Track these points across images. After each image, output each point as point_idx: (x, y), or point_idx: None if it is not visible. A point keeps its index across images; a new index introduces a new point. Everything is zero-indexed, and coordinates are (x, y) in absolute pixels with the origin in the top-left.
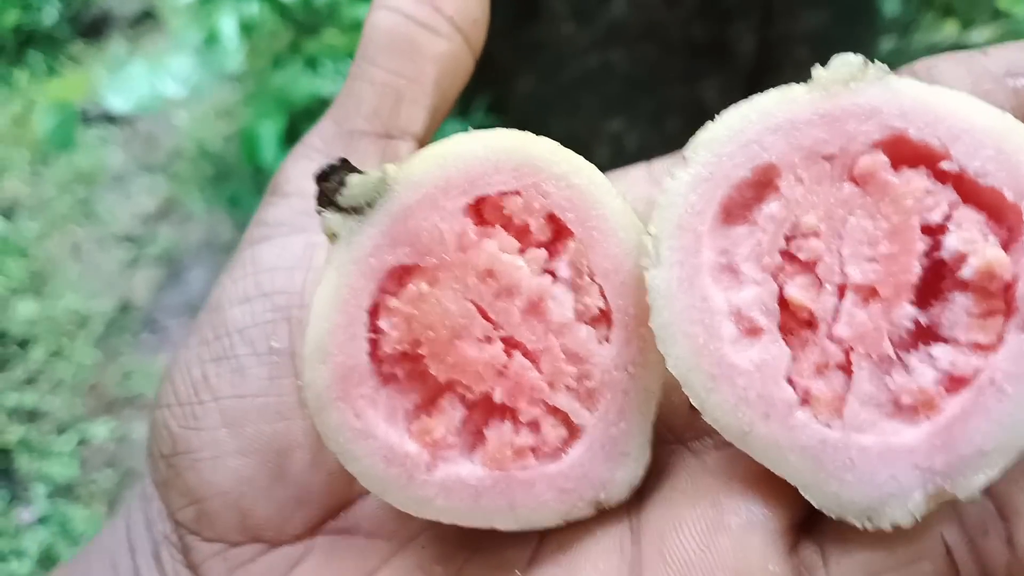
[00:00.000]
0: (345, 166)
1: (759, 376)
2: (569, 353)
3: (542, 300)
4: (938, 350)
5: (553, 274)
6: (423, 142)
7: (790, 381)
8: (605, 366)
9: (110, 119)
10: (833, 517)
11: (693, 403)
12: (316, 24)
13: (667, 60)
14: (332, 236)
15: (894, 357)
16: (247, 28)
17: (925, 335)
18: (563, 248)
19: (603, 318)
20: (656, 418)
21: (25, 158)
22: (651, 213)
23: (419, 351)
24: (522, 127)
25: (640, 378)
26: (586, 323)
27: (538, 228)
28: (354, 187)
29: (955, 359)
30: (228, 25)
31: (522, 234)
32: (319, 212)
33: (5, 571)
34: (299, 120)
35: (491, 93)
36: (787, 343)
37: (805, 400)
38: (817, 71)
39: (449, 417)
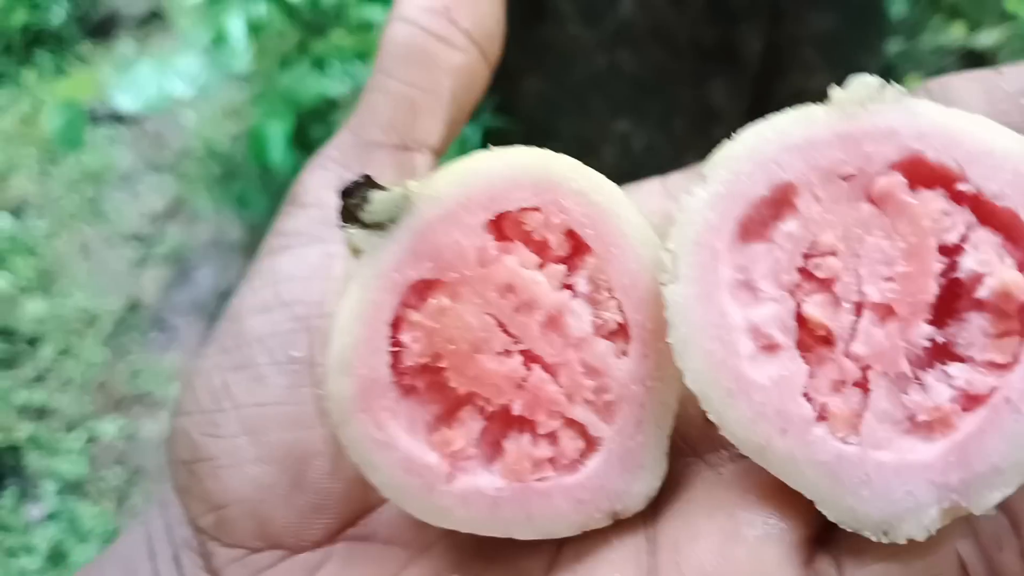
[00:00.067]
0: (368, 182)
1: (777, 392)
2: (587, 367)
3: (561, 315)
4: (954, 369)
5: (572, 289)
6: (439, 154)
7: (807, 397)
8: (623, 380)
9: (118, 119)
10: (849, 530)
11: (711, 418)
12: (324, 25)
13: (674, 62)
14: (355, 251)
15: (910, 375)
16: (255, 28)
17: (941, 354)
18: (582, 263)
19: (621, 332)
20: (672, 430)
21: (33, 157)
22: (667, 227)
23: (440, 364)
24: (529, 128)
25: (657, 392)
26: (604, 337)
27: (557, 244)
28: (377, 203)
29: (971, 378)
30: (236, 25)
31: (541, 249)
32: (342, 228)
33: (15, 567)
34: (307, 120)
35: (498, 94)
36: (804, 360)
37: (822, 416)
38: (835, 92)
39: (468, 429)
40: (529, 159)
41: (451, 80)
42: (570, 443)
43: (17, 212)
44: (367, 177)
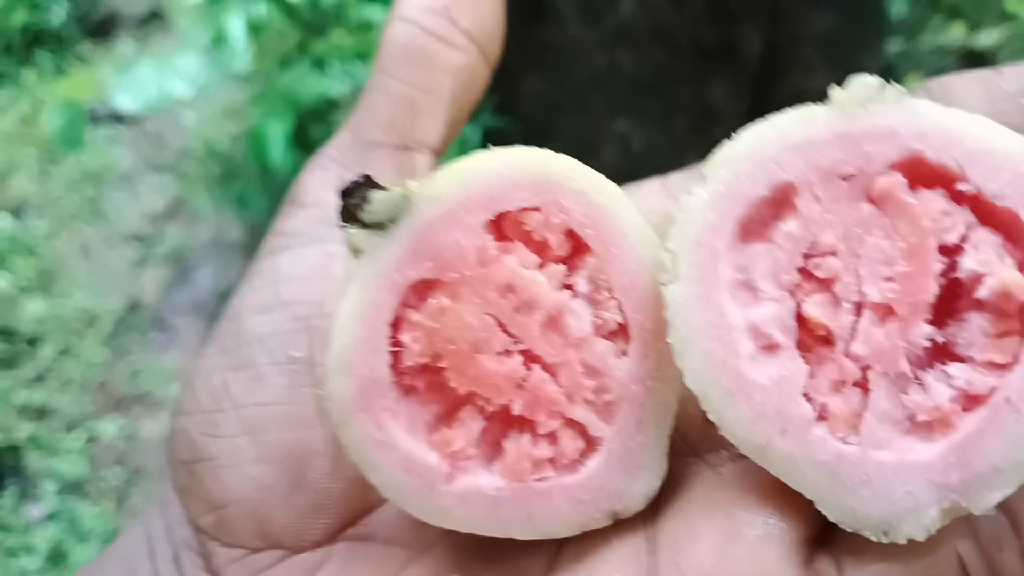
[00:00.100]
0: (368, 182)
1: (776, 392)
2: (587, 367)
3: (561, 315)
4: (954, 369)
5: (572, 289)
6: (439, 154)
7: (807, 397)
8: (623, 380)
9: (118, 119)
10: (849, 530)
11: (711, 418)
12: (324, 25)
13: (674, 61)
14: (355, 251)
15: (910, 375)
16: (255, 28)
17: (941, 353)
18: (582, 263)
19: (621, 332)
20: (672, 430)
21: (33, 157)
22: (666, 227)
23: (440, 364)
24: (529, 127)
25: (657, 392)
26: (604, 337)
27: (557, 244)
28: (377, 204)
29: (971, 378)
30: (236, 25)
31: (541, 249)
32: (342, 228)
33: (15, 567)
34: (307, 120)
35: (498, 94)
36: (804, 360)
37: (822, 416)
38: (835, 92)
39: (468, 429)
40: (529, 159)
41: (451, 80)
42: (570, 443)
43: (17, 212)
44: (367, 177)
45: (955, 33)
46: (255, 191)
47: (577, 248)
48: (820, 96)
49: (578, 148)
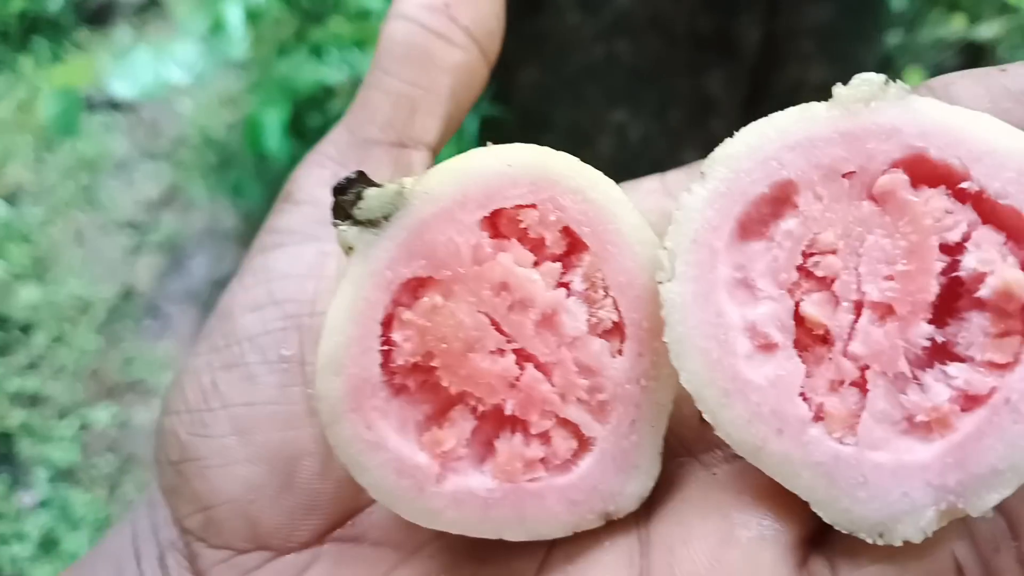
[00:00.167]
0: (362, 179)
1: (773, 392)
2: (581, 366)
3: (556, 313)
4: (953, 368)
5: (567, 287)
6: (437, 151)
7: (804, 397)
8: (617, 379)
9: (114, 106)
10: (844, 532)
11: (706, 418)
12: (321, 12)
13: (671, 52)
14: (348, 249)
15: (909, 375)
16: (252, 16)
17: (941, 353)
18: (578, 261)
19: (616, 331)
20: (667, 430)
21: (29, 144)
22: (665, 226)
23: (432, 363)
24: (526, 117)
25: (652, 391)
26: (599, 336)
27: (553, 241)
28: (371, 200)
29: (970, 378)
30: (233, 13)
31: (537, 247)
32: (335, 225)
33: (7, 554)
34: (303, 108)
35: (495, 83)
36: (802, 359)
37: (819, 416)
38: (837, 89)
39: (460, 428)
40: (526, 156)
41: (450, 78)
42: (563, 443)
43: (12, 199)
44: (361, 173)
45: (955, 25)
46: (251, 179)
47: (573, 246)
48: (818, 88)
49: (574, 138)
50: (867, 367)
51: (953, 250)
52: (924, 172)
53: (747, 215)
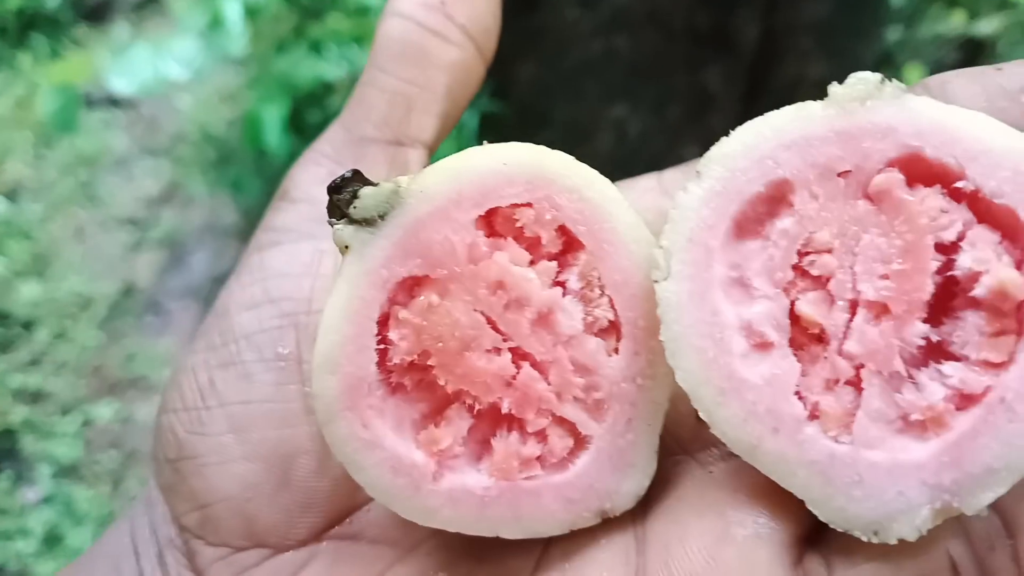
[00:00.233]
0: (358, 178)
1: (769, 391)
2: (578, 364)
3: (552, 312)
4: (949, 367)
5: (563, 286)
6: (433, 149)
7: (799, 396)
8: (613, 378)
9: (113, 102)
10: (839, 530)
11: (702, 416)
12: (320, 8)
13: (670, 47)
14: (344, 248)
15: (904, 374)
16: (251, 12)
17: (936, 352)
18: (574, 260)
19: (612, 330)
20: (663, 429)
21: (28, 141)
22: (661, 224)
23: (428, 362)
24: (525, 113)
25: (648, 390)
26: (595, 335)
27: (549, 240)
28: (366, 199)
29: (965, 377)
30: (232, 9)
31: (533, 246)
32: (331, 224)
33: (11, 550)
34: (303, 104)
35: (494, 79)
36: (797, 358)
37: (814, 415)
38: (833, 88)
39: (456, 427)
40: (522, 155)
41: (446, 76)
42: (559, 441)
43: (12, 196)
44: (356, 172)
45: (954, 21)
46: (250, 175)
47: (569, 245)
48: (817, 83)
49: (573, 134)
50: (862, 366)
51: (948, 249)
52: (920, 171)
53: (743, 214)
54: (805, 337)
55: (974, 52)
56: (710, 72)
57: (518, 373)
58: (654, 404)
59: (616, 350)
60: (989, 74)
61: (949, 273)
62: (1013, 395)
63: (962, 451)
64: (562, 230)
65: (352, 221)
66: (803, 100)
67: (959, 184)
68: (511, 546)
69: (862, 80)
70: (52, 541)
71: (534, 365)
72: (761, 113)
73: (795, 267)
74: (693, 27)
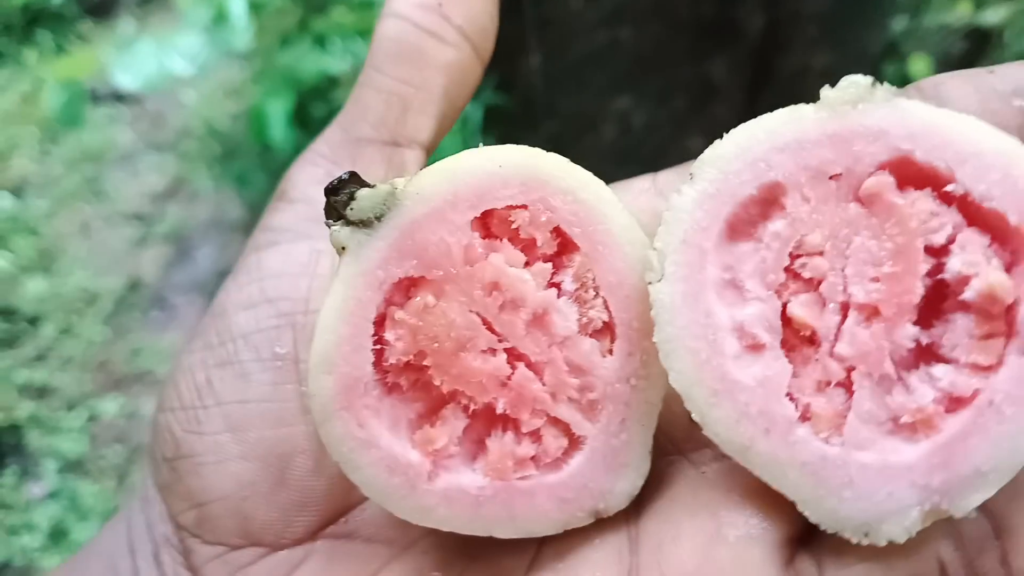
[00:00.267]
0: (354, 179)
1: (761, 392)
2: (572, 365)
3: (547, 313)
4: (938, 370)
5: (558, 287)
6: (430, 150)
7: (791, 397)
8: (607, 378)
9: (118, 97)
10: (830, 532)
11: (695, 418)
12: (324, 2)
13: (675, 38)
14: (340, 249)
15: (895, 376)
16: (255, 6)
17: (926, 355)
18: (569, 261)
19: (607, 331)
20: (656, 429)
21: (34, 136)
22: (655, 225)
23: (424, 362)
24: (529, 105)
25: (642, 390)
26: (590, 336)
27: (544, 242)
28: (363, 201)
29: (955, 379)
30: (236, 3)
31: (528, 248)
32: (328, 225)
33: (16, 545)
34: (307, 98)
35: (498, 71)
36: (789, 360)
37: (805, 417)
38: (825, 91)
39: (451, 427)
40: (517, 157)
41: (443, 77)
42: (553, 441)
43: (17, 191)
44: (353, 174)
45: (960, 11)
46: (255, 170)
47: (564, 246)
48: (822, 73)
49: (577, 126)
50: (853, 368)
51: (939, 252)
52: (910, 174)
53: (736, 216)
54: (797, 339)
55: (980, 42)
56: (715, 63)
57: (513, 373)
58: (648, 404)
59: (610, 351)
60: (982, 76)
61: (939, 276)
62: (1002, 398)
63: (951, 453)
64: (557, 232)
65: (349, 222)
66: (808, 90)
67: (949, 187)
68: (505, 545)
69: (854, 83)
70: (57, 536)
71: (529, 366)
72: (766, 103)
73: (787, 269)
74: (698, 18)
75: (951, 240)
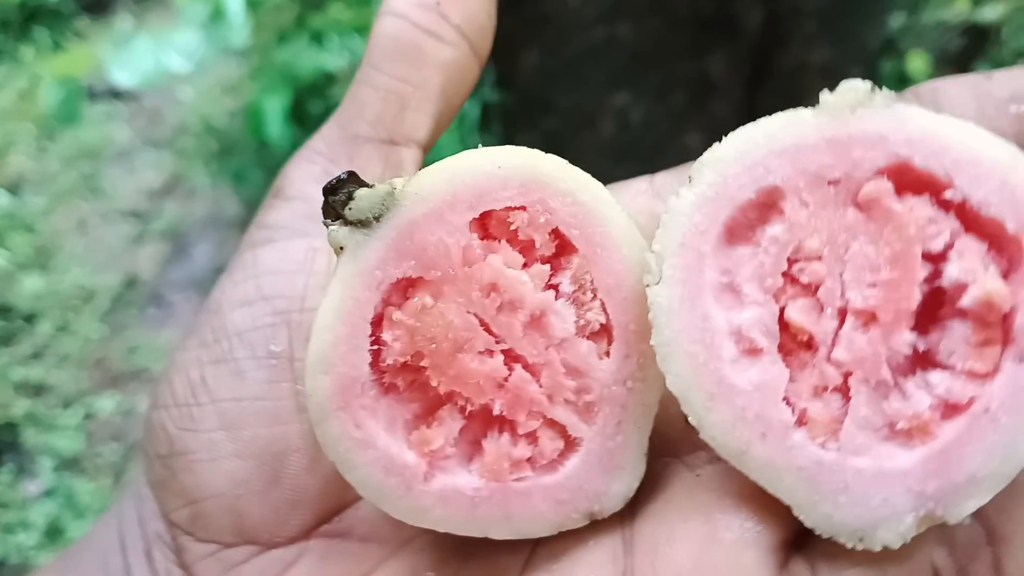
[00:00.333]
0: (353, 179)
1: (758, 396)
2: (569, 367)
3: (544, 315)
4: (935, 376)
5: (556, 289)
6: (427, 148)
7: (788, 402)
8: (604, 380)
9: (116, 94)
10: (824, 536)
11: (691, 421)
12: None
13: (673, 34)
14: (338, 249)
15: (891, 382)
16: (253, 3)
17: (923, 361)
18: (567, 263)
19: (604, 333)
20: (652, 431)
21: (31, 133)
22: (653, 227)
23: (421, 363)
24: (527, 101)
25: (638, 393)
26: (587, 338)
27: (542, 243)
28: (362, 201)
29: (951, 386)
30: (234, 0)
31: (527, 249)
32: (326, 225)
33: (12, 543)
34: (304, 95)
35: (496, 67)
36: (786, 364)
37: (802, 421)
38: (824, 96)
39: (448, 428)
40: (516, 158)
41: (440, 75)
42: (549, 443)
43: (14, 188)
44: (352, 174)
45: (958, 7)
46: (252, 166)
47: (562, 248)
48: (820, 69)
49: (576, 122)
50: (850, 373)
51: (936, 258)
52: (909, 180)
53: (734, 220)
54: (794, 344)
55: (978, 38)
56: (713, 58)
57: (510, 375)
58: (644, 407)
59: (607, 353)
60: (980, 82)
61: (937, 282)
62: (997, 405)
63: (947, 460)
64: (555, 233)
65: (347, 222)
66: (807, 86)
67: (947, 194)
68: (501, 546)
69: (853, 88)
70: (53, 534)
71: (526, 367)
72: (765, 99)
73: (785, 274)
74: (696, 13)
75: (949, 246)
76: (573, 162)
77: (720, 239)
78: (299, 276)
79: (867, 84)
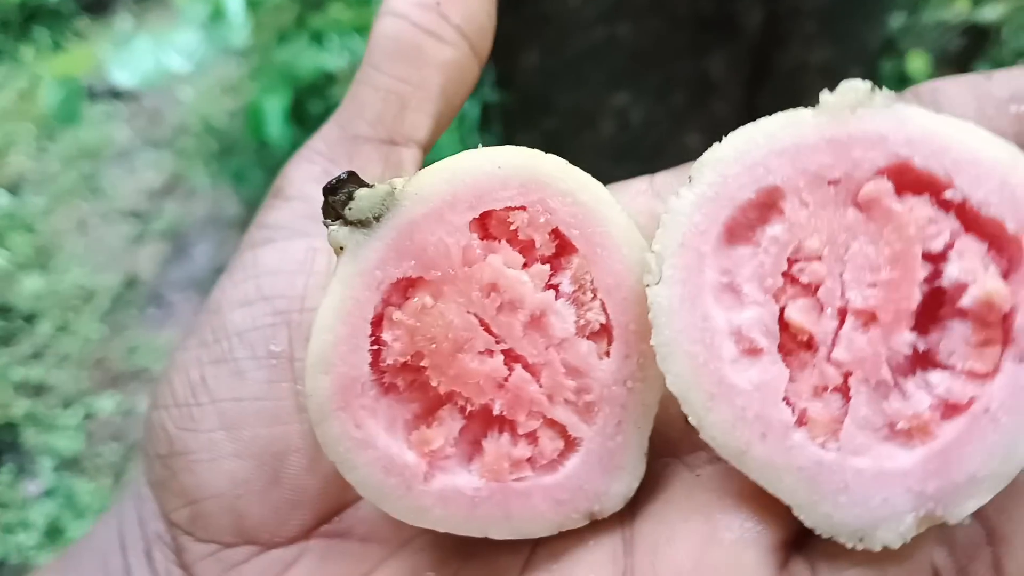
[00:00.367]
0: (353, 179)
1: (758, 396)
2: (569, 367)
3: (544, 315)
4: (935, 376)
5: (556, 289)
6: (427, 148)
7: (788, 402)
8: (604, 380)
9: (116, 94)
10: (824, 536)
11: (691, 421)
12: None
13: (673, 34)
14: (338, 249)
15: (891, 382)
16: (252, 3)
17: (923, 361)
18: (567, 263)
19: (604, 333)
20: (652, 431)
21: (31, 133)
22: (653, 227)
23: (421, 363)
24: (527, 101)
25: (638, 393)
26: (587, 338)
27: (542, 243)
28: (362, 201)
29: (951, 386)
30: (234, 0)
31: (527, 249)
32: (326, 225)
33: (12, 543)
34: (304, 95)
35: (496, 67)
36: (786, 364)
37: (802, 421)
38: (824, 96)
39: (448, 428)
40: (517, 158)
41: (440, 75)
42: (549, 443)
43: (14, 188)
44: (352, 174)
45: (958, 7)
46: (253, 166)
47: (562, 248)
48: (820, 69)
49: (576, 122)
50: (850, 373)
51: (936, 259)
52: (909, 180)
53: (734, 220)
54: (794, 344)
55: (978, 38)
56: (713, 58)
57: (510, 375)
58: (644, 407)
59: (607, 353)
60: (979, 82)
61: (937, 282)
62: (997, 405)
63: (947, 460)
64: (555, 233)
65: (347, 222)
66: (807, 86)
67: (947, 194)
68: (500, 546)
69: (853, 88)
70: (53, 534)
71: (526, 367)
72: (765, 99)
73: (785, 274)
74: (696, 13)
75: (949, 247)
76: (573, 162)
77: (720, 239)
78: (299, 276)
79: (867, 84)
